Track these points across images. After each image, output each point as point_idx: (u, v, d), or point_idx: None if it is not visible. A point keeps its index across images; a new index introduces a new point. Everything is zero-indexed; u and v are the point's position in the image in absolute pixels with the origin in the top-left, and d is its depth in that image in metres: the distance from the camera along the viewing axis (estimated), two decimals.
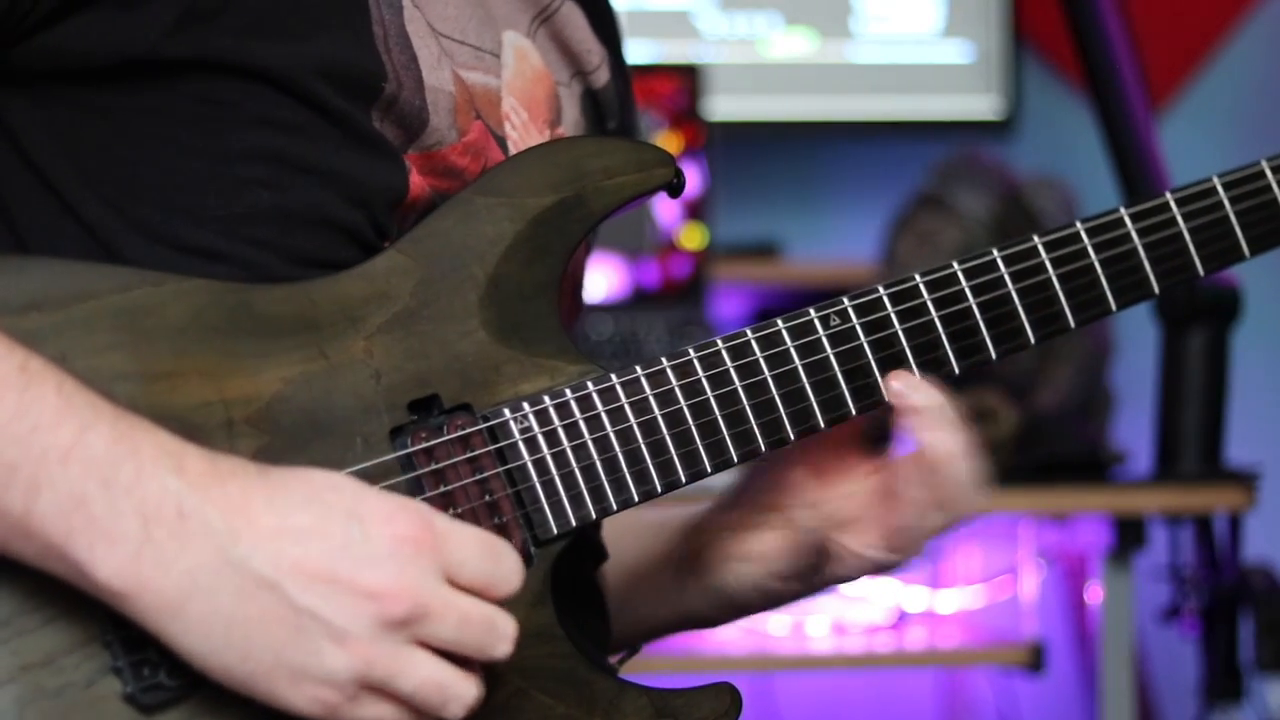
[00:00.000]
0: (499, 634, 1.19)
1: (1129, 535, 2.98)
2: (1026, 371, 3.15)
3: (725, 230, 3.48)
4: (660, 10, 3.65)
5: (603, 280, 3.33)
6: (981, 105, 3.68)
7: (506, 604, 1.25)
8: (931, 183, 3.34)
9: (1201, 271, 1.43)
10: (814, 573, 1.40)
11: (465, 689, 1.17)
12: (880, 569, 1.40)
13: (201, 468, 1.15)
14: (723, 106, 3.46)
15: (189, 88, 1.28)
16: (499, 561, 1.19)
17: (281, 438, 1.22)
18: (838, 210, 3.81)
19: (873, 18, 3.66)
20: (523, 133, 1.41)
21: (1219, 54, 3.83)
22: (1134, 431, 3.23)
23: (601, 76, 1.50)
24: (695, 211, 3.35)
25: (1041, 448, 3.03)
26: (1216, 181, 1.44)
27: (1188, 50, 3.82)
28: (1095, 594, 3.05)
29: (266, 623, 1.14)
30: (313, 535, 1.14)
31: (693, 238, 3.35)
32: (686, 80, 3.36)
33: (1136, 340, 3.27)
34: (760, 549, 1.42)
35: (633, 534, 1.53)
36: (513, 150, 1.39)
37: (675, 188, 1.36)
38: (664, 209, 3.32)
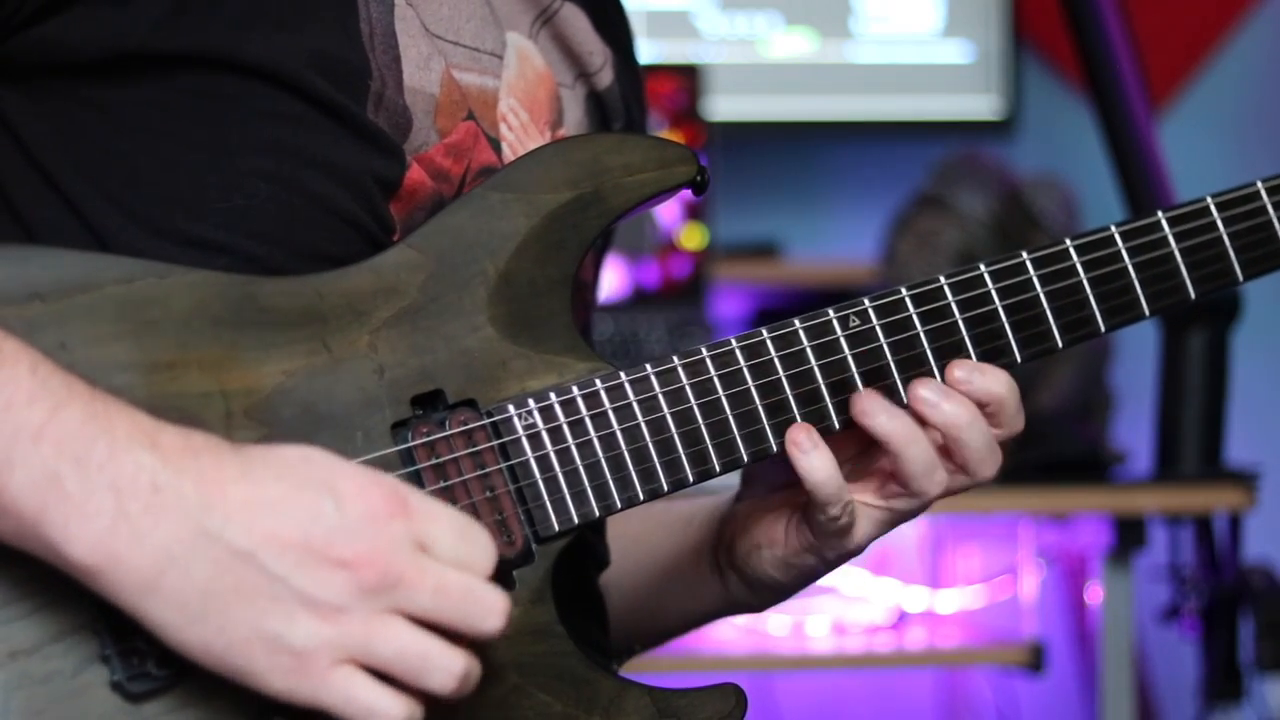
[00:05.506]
0: (484, 605, 1.15)
1: (1129, 535, 2.98)
2: (1026, 371, 3.14)
3: (725, 230, 3.48)
4: (660, 10, 3.65)
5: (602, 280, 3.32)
6: (981, 105, 3.68)
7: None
8: (931, 183, 3.34)
9: (1241, 278, 1.42)
10: (839, 538, 1.36)
11: (450, 660, 1.14)
12: (900, 518, 1.37)
13: (175, 443, 1.14)
14: (723, 106, 3.46)
15: (184, 81, 1.28)
16: (471, 543, 1.16)
17: (281, 430, 1.22)
18: (838, 210, 3.80)
19: (873, 18, 3.66)
20: (520, 134, 1.40)
21: (1219, 54, 3.83)
22: (1134, 431, 3.23)
23: (605, 78, 1.50)
24: (695, 211, 3.34)
25: (1041, 448, 3.03)
26: (1260, 186, 1.43)
27: (1188, 50, 3.82)
28: (1095, 594, 3.04)
29: (242, 593, 1.12)
30: (286, 506, 1.13)
31: (693, 238, 3.35)
32: (686, 80, 3.36)
33: (1136, 340, 3.26)
34: (781, 530, 1.39)
35: (665, 529, 1.52)
36: (507, 152, 1.39)
37: (699, 185, 1.34)
38: (664, 209, 3.32)
